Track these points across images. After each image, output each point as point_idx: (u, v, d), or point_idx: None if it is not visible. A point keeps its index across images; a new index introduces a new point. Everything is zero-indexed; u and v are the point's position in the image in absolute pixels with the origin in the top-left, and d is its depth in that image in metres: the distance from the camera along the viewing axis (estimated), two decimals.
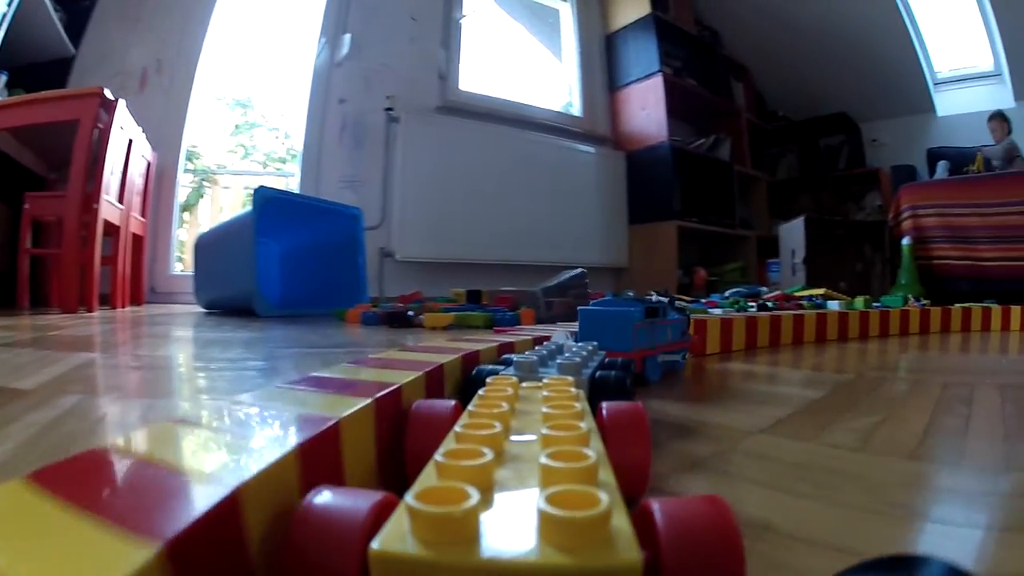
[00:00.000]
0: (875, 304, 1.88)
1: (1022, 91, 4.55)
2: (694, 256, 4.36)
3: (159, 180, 3.10)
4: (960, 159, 3.85)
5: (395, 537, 0.16)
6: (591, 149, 4.09)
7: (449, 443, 0.25)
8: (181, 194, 3.46)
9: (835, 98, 5.11)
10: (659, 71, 4.02)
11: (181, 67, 3.17)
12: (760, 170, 5.06)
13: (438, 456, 0.21)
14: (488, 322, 1.64)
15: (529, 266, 3.55)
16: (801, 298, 2.14)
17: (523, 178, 3.67)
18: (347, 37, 3.28)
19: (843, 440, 0.47)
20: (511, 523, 0.18)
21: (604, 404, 0.34)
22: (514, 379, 0.37)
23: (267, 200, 2.31)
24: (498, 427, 0.26)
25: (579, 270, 1.69)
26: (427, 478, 0.21)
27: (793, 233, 3.55)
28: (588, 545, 0.16)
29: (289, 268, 2.88)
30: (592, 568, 0.15)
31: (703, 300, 2.44)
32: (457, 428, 0.26)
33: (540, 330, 0.85)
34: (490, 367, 0.49)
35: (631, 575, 0.15)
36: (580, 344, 0.57)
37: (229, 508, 0.18)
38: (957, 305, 1.89)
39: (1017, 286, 3.10)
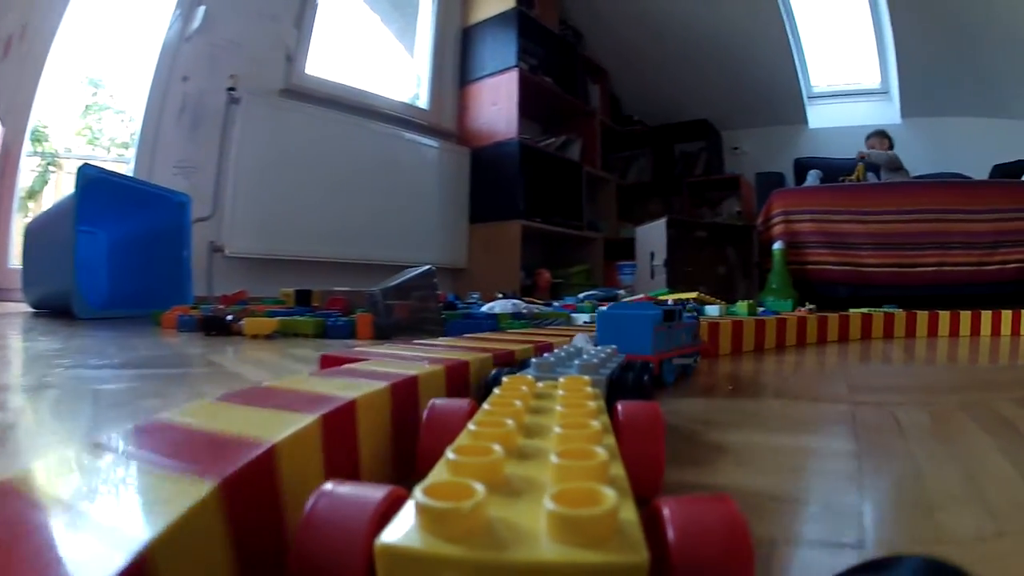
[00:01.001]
0: (761, 309, 1.82)
1: (911, 109, 4.81)
2: (538, 257, 4.25)
3: (3, 159, 2.79)
4: (831, 170, 3.92)
5: (402, 531, 0.16)
6: (435, 143, 3.92)
7: (461, 440, 0.25)
8: (27, 178, 3.18)
9: (698, 105, 5.18)
10: (516, 66, 3.89)
11: (40, 35, 2.84)
12: (610, 172, 5.05)
13: (449, 452, 0.22)
14: (318, 329, 1.42)
15: (366, 265, 3.38)
16: (666, 301, 2.05)
17: (363, 171, 3.49)
18: (201, 9, 2.97)
19: None
20: (518, 519, 0.18)
21: (619, 403, 0.34)
22: (530, 378, 0.37)
23: (91, 181, 2.02)
24: (510, 424, 0.26)
25: (426, 267, 1.44)
26: (438, 474, 0.21)
27: (653, 235, 3.43)
28: (594, 543, 0.16)
29: (118, 262, 2.55)
30: (598, 565, 0.15)
31: (557, 303, 2.33)
32: (470, 426, 0.26)
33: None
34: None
35: (637, 574, 0.15)
36: (599, 347, 0.56)
37: None
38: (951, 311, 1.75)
39: (898, 292, 3.13)
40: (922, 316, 1.57)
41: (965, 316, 1.60)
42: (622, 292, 2.83)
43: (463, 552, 0.15)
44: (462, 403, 0.34)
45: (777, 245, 3.27)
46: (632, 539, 0.16)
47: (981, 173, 4.09)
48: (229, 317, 1.49)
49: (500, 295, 2.38)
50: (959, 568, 0.14)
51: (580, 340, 0.65)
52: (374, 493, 0.20)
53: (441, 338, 0.85)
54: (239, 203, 2.98)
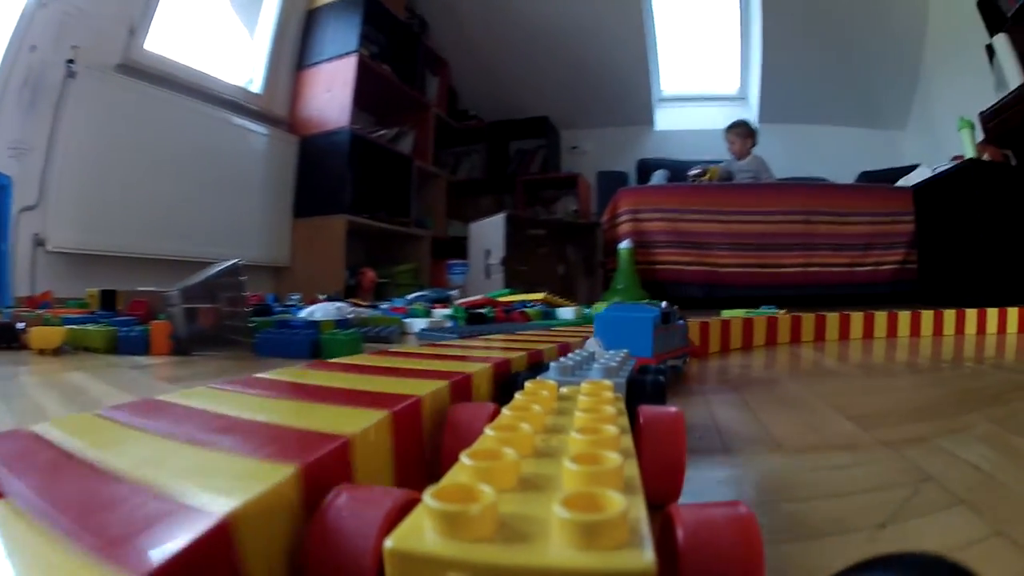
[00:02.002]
0: None
1: (771, 115, 4.85)
2: (362, 255, 3.96)
3: None
4: (676, 170, 3.89)
5: (411, 534, 0.17)
6: (264, 131, 3.62)
7: (477, 444, 0.25)
8: None
9: (539, 103, 5.11)
10: (356, 51, 3.69)
11: None
12: (442, 168, 4.90)
13: (463, 456, 0.22)
14: (109, 342, 1.12)
15: (186, 262, 2.80)
16: (511, 304, 1.92)
17: (192, 159, 3.20)
18: None
19: None
20: (528, 523, 0.18)
21: (641, 409, 0.34)
22: (552, 382, 0.37)
23: None
24: (527, 428, 0.26)
25: (231, 261, 1.19)
26: (451, 478, 0.21)
27: (489, 231, 3.25)
28: (602, 548, 0.16)
29: None
30: (604, 570, 0.15)
31: (385, 306, 2.17)
32: (487, 430, 0.26)
33: None
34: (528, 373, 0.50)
35: None
36: (612, 351, 0.55)
37: None
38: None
39: (758, 292, 3.13)
40: (833, 318, 1.45)
41: (880, 317, 1.50)
42: (454, 293, 2.70)
43: (470, 555, 0.16)
44: (485, 407, 0.35)
45: (624, 244, 3.14)
46: (641, 544, 0.16)
47: (846, 180, 4.17)
48: (20, 325, 1.18)
49: (323, 297, 2.22)
50: (961, 565, 0.14)
51: (592, 343, 0.64)
52: (387, 496, 0.20)
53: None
54: (64, 191, 2.65)
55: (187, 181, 3.16)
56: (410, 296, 2.50)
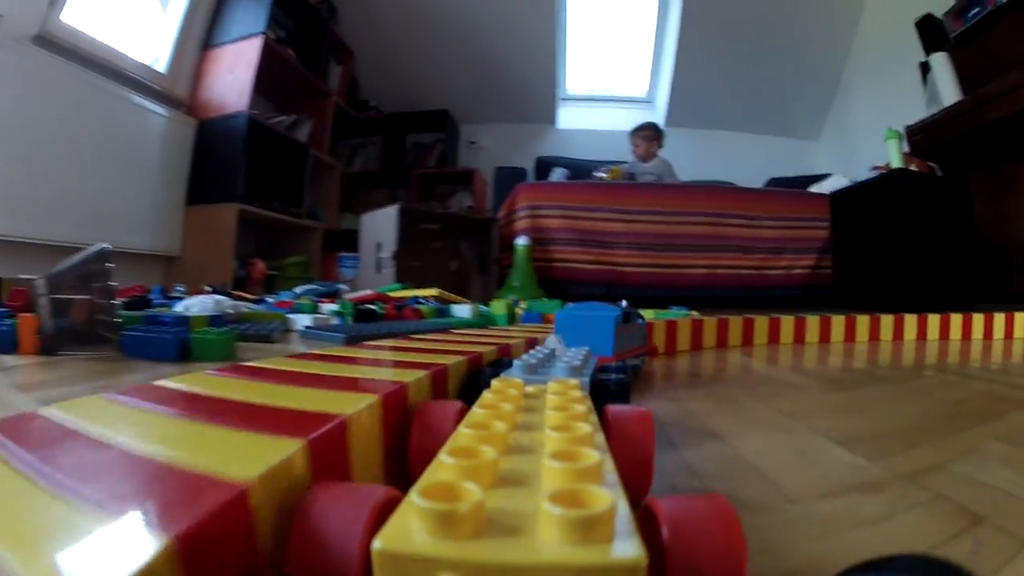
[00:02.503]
0: (523, 311, 1.72)
1: (678, 119, 5.02)
2: (253, 246, 3.86)
3: None
4: (576, 169, 3.95)
5: (398, 534, 0.16)
6: (164, 112, 3.44)
7: (453, 441, 0.26)
8: None
9: (440, 96, 5.04)
10: (262, 33, 3.57)
11: None
12: (337, 159, 4.78)
13: (442, 454, 0.22)
14: None
15: (77, 248, 2.73)
16: (404, 299, 1.88)
17: (89, 138, 3.02)
18: None
19: None
20: (515, 520, 0.18)
21: (610, 407, 0.34)
22: (519, 380, 0.37)
23: None
24: (502, 426, 0.27)
25: (98, 246, 1.04)
26: (431, 476, 0.21)
27: (381, 223, 3.11)
28: (593, 543, 0.16)
29: None
30: (597, 566, 0.15)
31: (271, 299, 2.07)
32: (462, 427, 0.27)
33: None
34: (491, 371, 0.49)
35: (636, 573, 0.15)
36: (574, 349, 0.56)
37: None
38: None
39: (656, 292, 3.17)
40: (762, 321, 1.34)
41: (813, 321, 1.39)
42: (344, 287, 2.59)
43: (462, 553, 0.16)
44: (452, 405, 0.35)
45: (521, 240, 3.07)
46: (630, 538, 0.16)
47: (754, 186, 4.23)
48: None
49: (208, 288, 2.09)
50: (958, 566, 0.14)
51: (552, 341, 0.65)
52: (369, 494, 0.20)
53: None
54: None
55: (82, 162, 3.00)
56: (299, 290, 2.38)
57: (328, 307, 1.70)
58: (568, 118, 5.37)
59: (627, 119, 4.16)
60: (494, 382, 0.37)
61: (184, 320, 1.21)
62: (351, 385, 0.36)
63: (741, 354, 1.16)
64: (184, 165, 3.58)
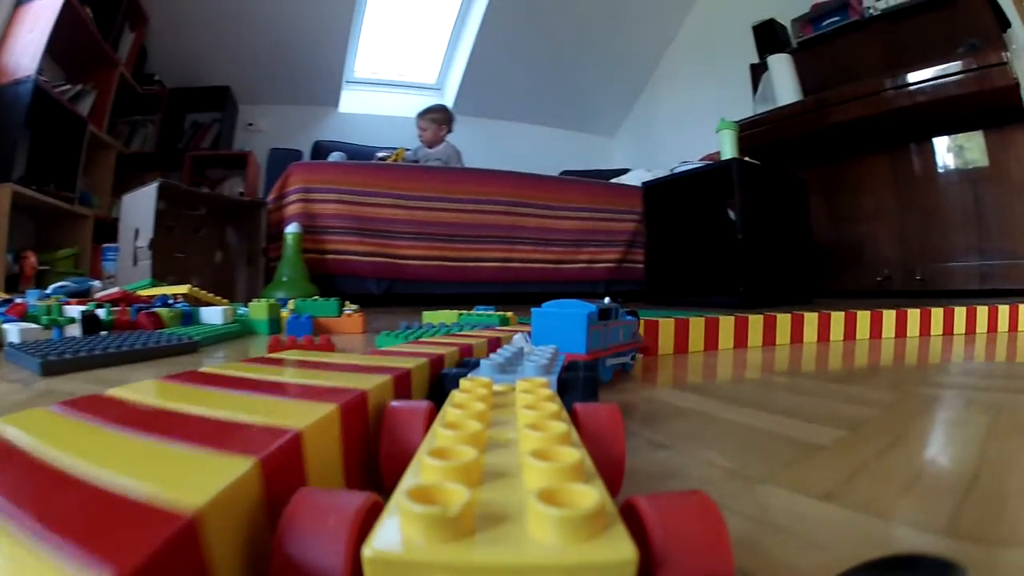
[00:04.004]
0: (290, 313, 1.41)
1: (467, 108, 4.94)
2: (30, 237, 3.36)
3: None
4: (356, 155, 3.60)
5: (389, 540, 0.16)
6: None
7: (431, 442, 0.26)
8: None
9: (225, 71, 4.61)
10: None
11: None
12: (116, 137, 4.19)
13: (424, 455, 0.22)
14: None
15: None
16: (152, 300, 1.54)
17: None
18: None
19: None
20: (503, 521, 0.18)
21: (578, 405, 0.34)
22: (488, 379, 0.37)
23: None
24: (479, 426, 0.26)
25: None
26: (414, 478, 0.21)
27: (140, 206, 2.56)
28: (583, 542, 0.16)
29: None
30: (589, 564, 0.15)
31: (21, 299, 1.66)
32: (438, 428, 0.27)
33: None
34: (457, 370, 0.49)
35: (627, 571, 0.16)
36: (541, 347, 0.57)
37: None
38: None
39: (441, 289, 2.94)
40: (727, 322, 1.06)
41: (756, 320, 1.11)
42: (97, 284, 2.27)
43: (457, 557, 0.16)
44: (421, 405, 0.34)
45: (291, 228, 2.69)
46: (619, 536, 0.16)
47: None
48: None
49: None
50: (959, 565, 0.15)
51: (519, 339, 0.65)
52: (352, 500, 0.19)
53: None
54: None
55: None
56: (49, 288, 2.01)
57: (74, 311, 1.29)
58: (352, 102, 5.13)
59: (414, 105, 3.90)
60: (463, 381, 0.37)
61: None
62: (310, 393, 0.34)
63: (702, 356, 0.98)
64: None
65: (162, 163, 4.41)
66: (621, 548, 0.16)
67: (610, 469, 0.31)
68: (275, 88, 4.83)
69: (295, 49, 4.55)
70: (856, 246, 3.54)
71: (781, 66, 3.70)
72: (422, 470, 0.21)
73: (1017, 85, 2.76)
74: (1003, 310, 1.33)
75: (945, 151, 3.24)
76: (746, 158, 2.71)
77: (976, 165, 3.13)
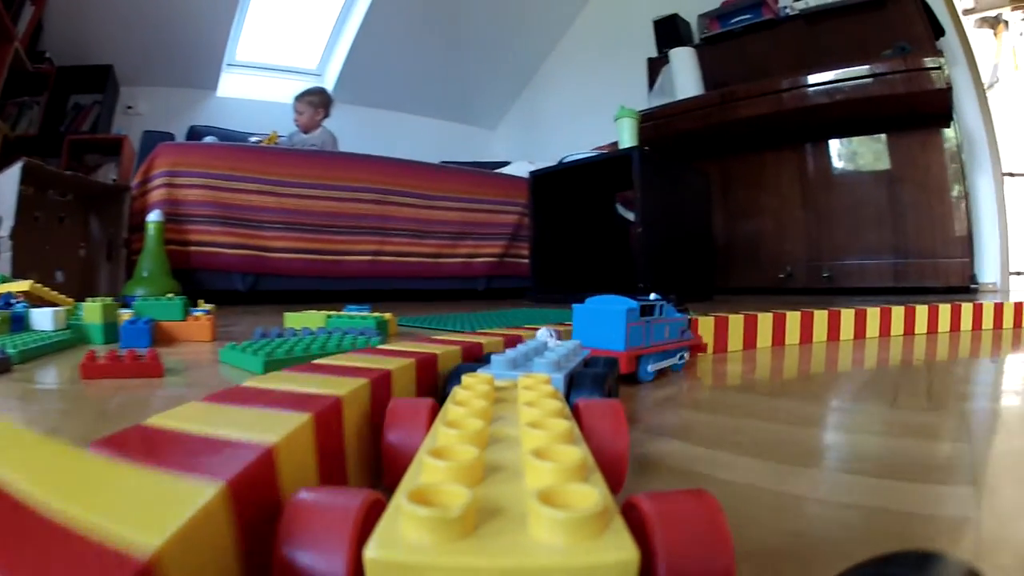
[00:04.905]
0: (128, 317, 1.13)
1: (344, 96, 4.69)
2: None
3: None
4: (230, 140, 3.42)
5: (391, 541, 0.16)
6: None
7: (433, 440, 0.25)
8: None
9: (112, 49, 4.30)
10: None
11: None
12: (3, 119, 3.94)
13: (425, 455, 0.21)
14: None
15: None
16: None
17: None
18: None
19: None
20: (504, 521, 0.18)
21: (580, 401, 0.34)
22: (490, 376, 0.37)
23: None
24: (480, 424, 0.26)
25: None
26: (415, 478, 0.21)
27: (4, 191, 2.27)
28: (584, 542, 0.16)
29: None
30: (590, 565, 0.15)
31: None
32: (440, 426, 0.27)
33: None
34: (468, 365, 0.49)
35: (628, 571, 0.15)
36: (562, 343, 0.56)
37: None
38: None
39: (312, 284, 2.75)
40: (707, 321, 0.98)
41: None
42: None
43: (458, 558, 0.15)
44: (423, 402, 0.34)
45: (153, 216, 2.43)
46: (620, 536, 0.16)
47: None
48: None
49: None
50: (961, 561, 0.15)
51: (543, 334, 0.62)
52: (352, 499, 0.19)
53: None
54: None
55: None
56: None
57: None
58: (232, 86, 4.93)
59: (294, 91, 3.71)
60: (464, 377, 0.37)
61: None
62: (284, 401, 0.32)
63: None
64: None
65: (44, 147, 4.04)
66: (622, 548, 0.16)
67: (612, 465, 0.31)
68: (156, 69, 4.56)
69: (178, 27, 4.30)
70: (758, 243, 3.54)
71: (683, 60, 3.70)
72: (423, 470, 0.21)
73: (950, 89, 2.81)
74: (921, 311, 1.25)
75: (854, 151, 3.29)
76: (646, 148, 2.62)
77: (884, 167, 3.20)
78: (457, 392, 0.33)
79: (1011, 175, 3.46)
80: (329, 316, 1.20)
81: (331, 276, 2.78)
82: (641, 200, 2.39)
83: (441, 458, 0.21)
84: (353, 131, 4.18)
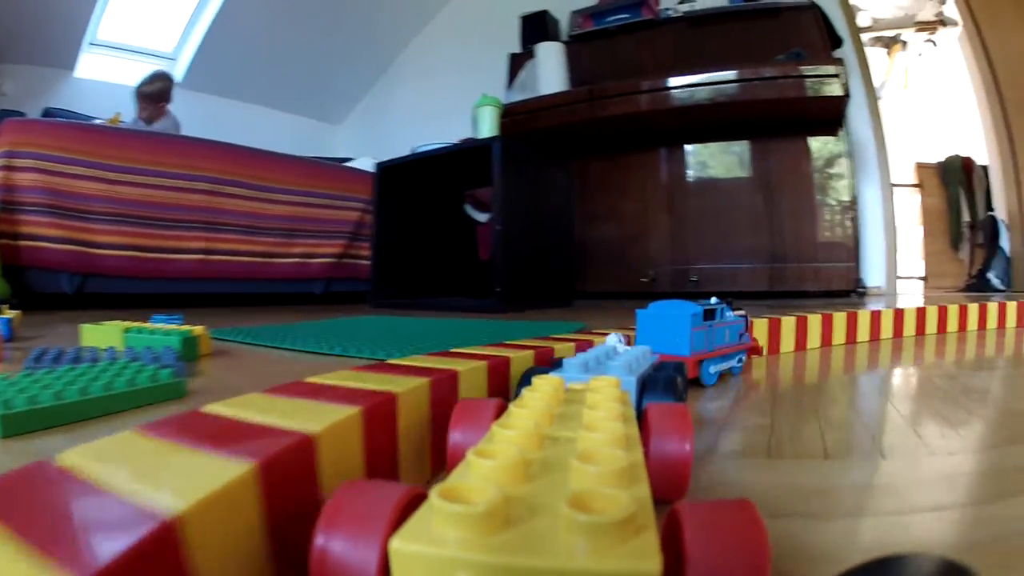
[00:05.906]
0: None
1: (193, 83, 4.55)
2: None
3: None
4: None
5: (417, 533, 0.17)
6: None
7: (484, 441, 0.26)
8: None
9: None
10: None
11: None
12: None
13: (470, 454, 0.22)
14: None
15: None
16: None
17: None
18: None
19: None
20: (535, 523, 0.18)
21: (650, 404, 0.34)
22: (559, 379, 0.37)
23: None
24: (534, 425, 0.26)
25: None
26: (458, 475, 0.21)
27: None
28: (609, 548, 0.16)
29: None
30: (610, 572, 0.15)
31: None
32: (495, 427, 0.27)
33: None
34: (541, 369, 0.50)
35: None
36: (631, 347, 0.56)
37: None
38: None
39: (141, 287, 2.43)
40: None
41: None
42: None
43: (475, 555, 0.16)
44: (491, 402, 0.35)
45: None
46: (647, 545, 0.16)
47: None
48: None
49: None
50: (964, 566, 0.14)
51: (613, 339, 0.62)
52: (392, 493, 0.20)
53: None
54: None
55: None
56: None
57: None
58: (92, 67, 4.53)
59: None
60: (535, 379, 0.37)
61: None
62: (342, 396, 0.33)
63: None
64: None
65: None
66: (645, 557, 0.15)
67: (674, 471, 0.30)
68: (15, 46, 4.13)
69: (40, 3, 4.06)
70: (620, 245, 3.39)
71: (550, 54, 3.57)
72: (466, 467, 0.21)
73: (847, 97, 2.78)
74: (839, 317, 1.12)
75: (727, 155, 3.21)
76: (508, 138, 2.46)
77: (761, 173, 3.14)
78: (524, 394, 0.34)
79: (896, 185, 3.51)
80: (127, 330, 0.96)
81: (161, 277, 2.50)
82: (501, 195, 2.21)
83: (485, 457, 0.21)
84: (197, 121, 3.91)
